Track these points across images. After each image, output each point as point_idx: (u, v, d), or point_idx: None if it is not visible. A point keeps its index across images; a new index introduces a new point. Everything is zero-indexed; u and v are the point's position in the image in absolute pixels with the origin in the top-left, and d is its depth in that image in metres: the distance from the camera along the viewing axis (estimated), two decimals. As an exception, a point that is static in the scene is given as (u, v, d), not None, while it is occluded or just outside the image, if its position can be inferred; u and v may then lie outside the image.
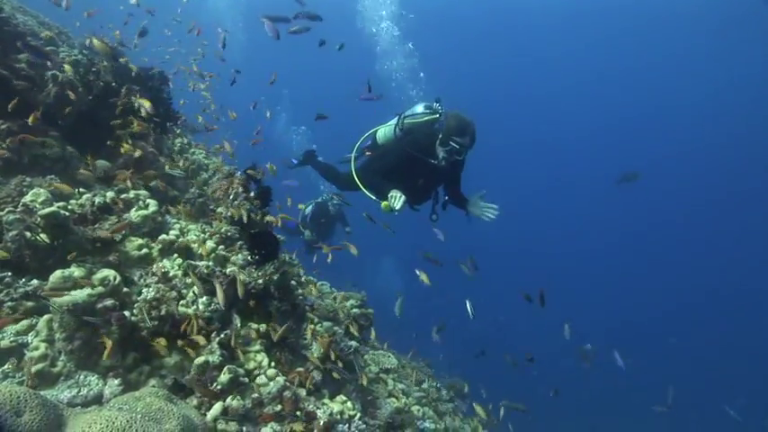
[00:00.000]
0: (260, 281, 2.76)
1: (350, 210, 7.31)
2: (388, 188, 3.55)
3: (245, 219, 2.95)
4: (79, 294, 1.99)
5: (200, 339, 2.26)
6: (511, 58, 25.50)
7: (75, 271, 2.20)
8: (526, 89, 26.67)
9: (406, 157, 3.78)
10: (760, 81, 19.62)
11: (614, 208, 24.60)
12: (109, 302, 2.06)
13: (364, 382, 3.18)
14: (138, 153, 3.30)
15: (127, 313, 2.17)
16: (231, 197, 3.59)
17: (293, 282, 3.68)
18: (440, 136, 3.58)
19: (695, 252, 25.28)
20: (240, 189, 3.56)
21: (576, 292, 21.58)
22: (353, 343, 3.30)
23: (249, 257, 2.88)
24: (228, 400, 2.28)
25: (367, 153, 4.34)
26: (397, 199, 3.37)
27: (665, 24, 19.39)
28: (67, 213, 2.35)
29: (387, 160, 3.97)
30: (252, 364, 2.63)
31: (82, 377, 1.87)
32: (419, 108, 4.07)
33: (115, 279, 2.29)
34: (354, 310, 4.45)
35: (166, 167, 3.55)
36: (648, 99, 24.79)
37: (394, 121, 4.19)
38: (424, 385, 5.12)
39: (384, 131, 4.29)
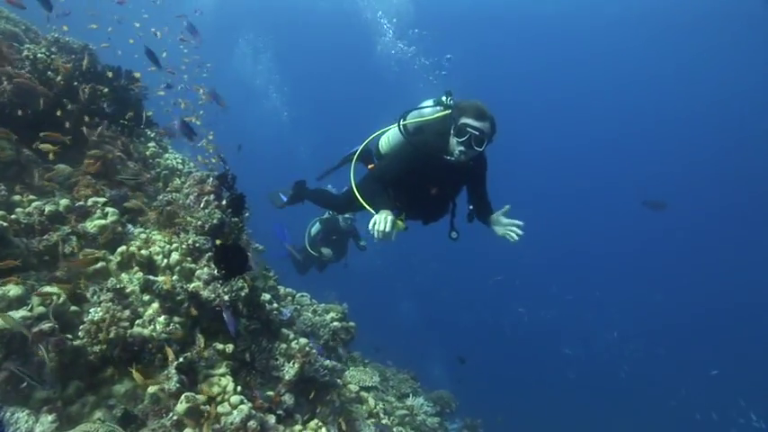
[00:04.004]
0: (226, 297, 2.54)
1: (362, 223, 6.76)
2: (381, 202, 2.97)
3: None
4: (10, 317, 1.76)
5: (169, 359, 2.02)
6: (523, 62, 25.37)
7: (12, 289, 1.96)
8: (537, 96, 26.56)
9: (415, 158, 3.16)
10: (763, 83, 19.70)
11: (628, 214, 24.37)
12: (46, 326, 1.83)
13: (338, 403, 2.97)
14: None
15: (70, 336, 1.94)
16: (202, 205, 3.37)
17: (267, 295, 3.46)
18: (454, 125, 2.98)
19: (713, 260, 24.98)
20: (212, 197, 3.34)
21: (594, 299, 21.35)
22: (330, 362, 3.09)
23: (216, 271, 2.66)
24: (185, 432, 2.06)
25: (370, 167, 3.74)
26: (384, 222, 2.72)
27: (678, 31, 19.40)
28: (5, 224, 2.11)
29: (392, 165, 3.34)
30: (216, 390, 2.41)
31: (8, 414, 1.64)
32: (426, 104, 3.48)
33: (59, 298, 2.06)
34: (335, 323, 4.24)
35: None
36: (661, 105, 24.83)
37: (395, 127, 3.54)
38: (408, 401, 4.91)
39: (388, 136, 3.65)
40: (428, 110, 3.43)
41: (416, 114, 3.47)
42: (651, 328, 18.49)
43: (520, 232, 3.08)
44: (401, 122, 3.40)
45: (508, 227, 3.13)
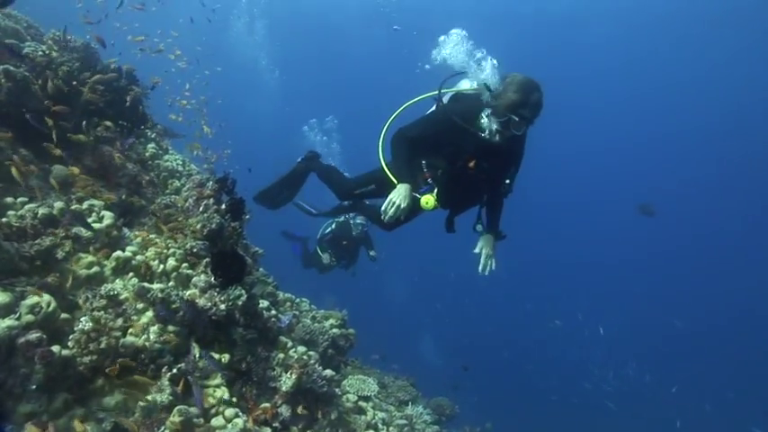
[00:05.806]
0: (222, 306, 2.47)
1: (375, 232, 6.43)
2: (406, 171, 2.76)
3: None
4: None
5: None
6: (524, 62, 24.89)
7: (0, 296, 1.89)
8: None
9: (446, 127, 2.88)
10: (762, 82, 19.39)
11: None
12: (33, 336, 1.76)
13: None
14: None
15: (56, 348, 1.86)
16: (201, 209, 3.30)
17: (265, 302, 3.39)
18: (493, 104, 2.71)
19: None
20: (211, 201, 3.27)
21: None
22: (329, 372, 3.01)
23: (212, 279, 2.59)
24: (177, 447, 1.99)
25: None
26: (400, 198, 2.61)
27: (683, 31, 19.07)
28: (-5, 229, 2.04)
29: (422, 126, 3.03)
30: (211, 401, 2.33)
31: (-11, 430, 1.57)
32: (464, 84, 3.16)
33: (49, 306, 1.99)
34: (334, 330, 4.16)
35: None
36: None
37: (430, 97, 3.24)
38: (408, 409, 4.83)
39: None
40: (468, 83, 3.15)
41: (455, 85, 3.22)
42: (647, 349, 18.23)
43: (491, 269, 3.02)
44: (440, 90, 3.12)
45: (489, 257, 3.03)
